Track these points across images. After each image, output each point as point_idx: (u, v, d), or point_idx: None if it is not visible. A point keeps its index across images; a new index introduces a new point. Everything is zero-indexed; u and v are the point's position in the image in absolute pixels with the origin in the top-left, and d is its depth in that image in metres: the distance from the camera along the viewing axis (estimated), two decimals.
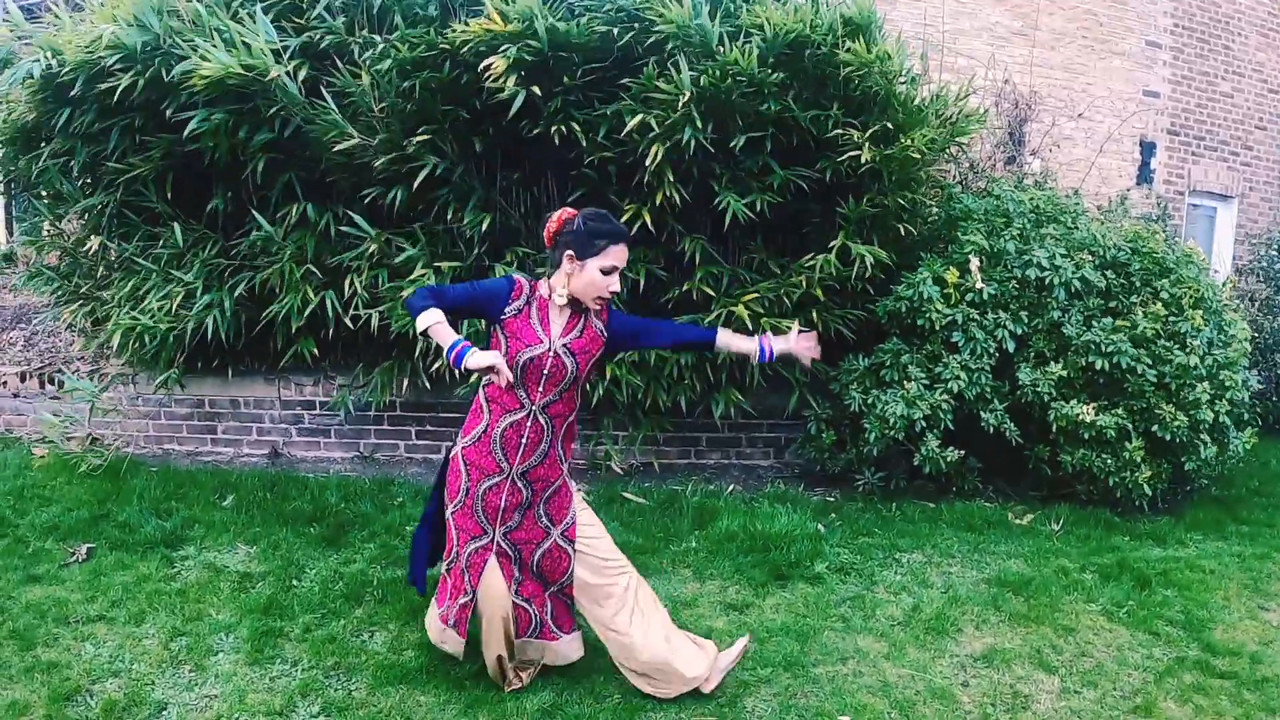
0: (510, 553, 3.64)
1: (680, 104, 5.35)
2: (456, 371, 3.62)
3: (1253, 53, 10.67)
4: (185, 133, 5.62)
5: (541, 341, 3.48)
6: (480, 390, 3.62)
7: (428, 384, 6.38)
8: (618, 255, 3.50)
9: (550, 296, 3.56)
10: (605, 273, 3.48)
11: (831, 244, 5.94)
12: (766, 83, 5.50)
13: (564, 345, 3.50)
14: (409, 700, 3.71)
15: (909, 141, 5.68)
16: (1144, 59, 9.81)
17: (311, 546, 5.09)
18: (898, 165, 5.79)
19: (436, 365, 6.09)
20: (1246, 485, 7.11)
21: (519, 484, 3.56)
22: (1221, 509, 6.49)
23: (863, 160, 5.61)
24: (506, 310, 3.50)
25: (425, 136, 5.64)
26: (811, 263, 5.96)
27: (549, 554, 3.65)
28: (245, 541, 5.15)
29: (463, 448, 3.60)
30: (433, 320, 3.38)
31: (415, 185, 5.72)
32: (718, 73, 5.37)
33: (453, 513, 3.65)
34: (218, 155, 5.86)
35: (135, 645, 4.06)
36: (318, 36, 5.75)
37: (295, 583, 4.69)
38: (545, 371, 3.47)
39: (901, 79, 5.89)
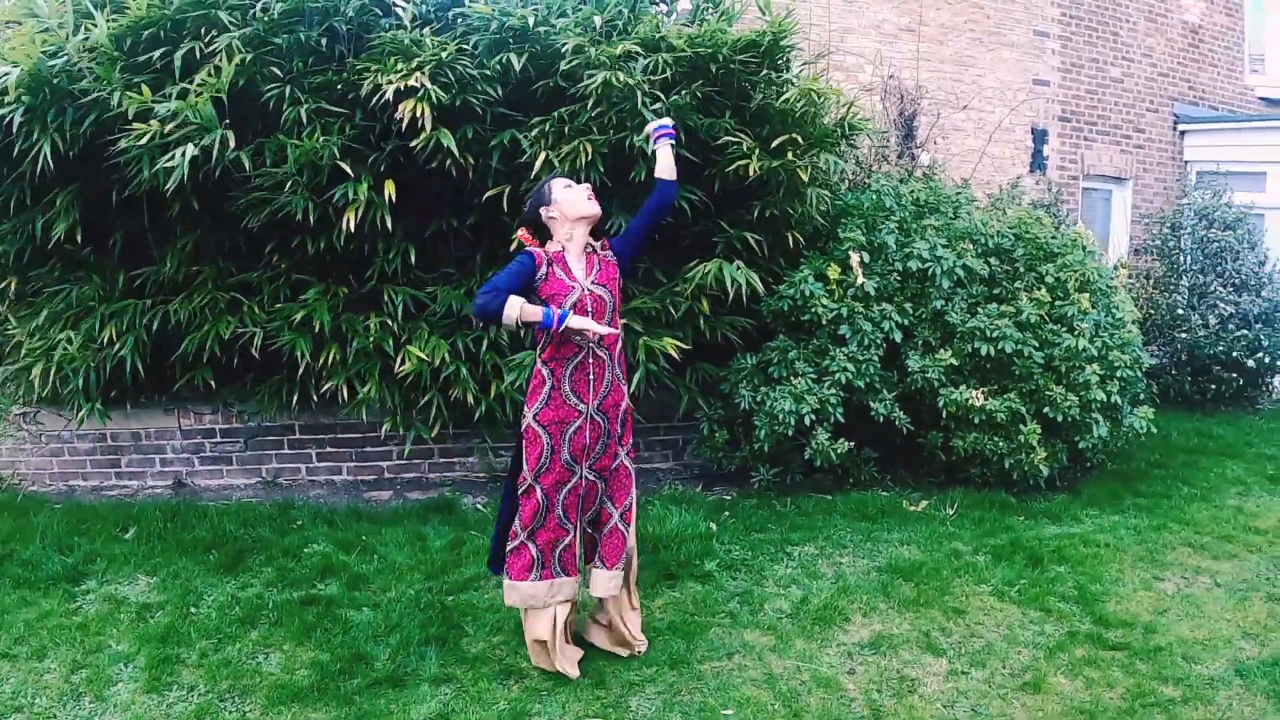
0: (597, 483, 4.05)
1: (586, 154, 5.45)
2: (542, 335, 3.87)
3: (1141, 38, 10.93)
4: (167, 187, 5.25)
5: (574, 287, 3.85)
6: (537, 359, 3.92)
7: (314, 402, 6.31)
8: (560, 181, 4.00)
9: (563, 251, 3.93)
10: (568, 187, 3.96)
11: (705, 266, 5.88)
12: (678, 106, 5.55)
13: (592, 282, 3.90)
14: (300, 718, 3.76)
15: (791, 157, 5.67)
16: (1033, 48, 10.03)
17: (210, 573, 5.08)
18: (786, 176, 5.78)
19: (326, 386, 6.05)
20: (1146, 459, 7.25)
21: (597, 418, 3.94)
22: (1119, 483, 6.63)
23: (751, 171, 5.61)
24: (538, 278, 3.86)
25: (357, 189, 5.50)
26: (693, 273, 5.91)
27: (618, 471, 4.11)
28: (145, 572, 5.13)
29: (535, 415, 3.89)
30: (518, 304, 3.67)
31: (342, 234, 5.57)
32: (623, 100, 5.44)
33: (537, 478, 3.91)
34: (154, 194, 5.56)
35: (37, 680, 4.07)
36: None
37: (193, 610, 4.70)
38: (589, 310, 3.84)
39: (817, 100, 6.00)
